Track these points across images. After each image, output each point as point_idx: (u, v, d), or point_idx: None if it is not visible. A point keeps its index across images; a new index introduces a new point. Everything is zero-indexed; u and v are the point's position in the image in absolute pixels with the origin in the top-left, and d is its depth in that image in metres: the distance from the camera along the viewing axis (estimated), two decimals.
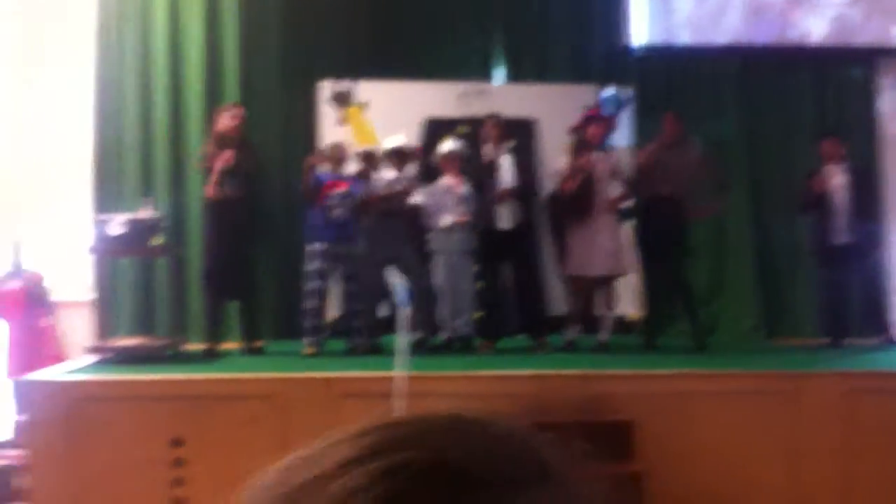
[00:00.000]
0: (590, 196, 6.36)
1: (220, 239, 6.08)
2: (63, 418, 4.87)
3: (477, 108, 7.13)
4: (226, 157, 6.00)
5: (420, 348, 5.68)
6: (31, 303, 6.86)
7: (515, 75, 7.84)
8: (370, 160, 6.47)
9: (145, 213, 5.86)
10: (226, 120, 6.20)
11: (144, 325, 6.64)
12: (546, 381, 5.16)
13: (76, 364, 5.52)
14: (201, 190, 6.33)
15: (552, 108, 7.40)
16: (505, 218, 6.35)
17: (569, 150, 6.64)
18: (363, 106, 7.19)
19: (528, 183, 6.50)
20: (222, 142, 6.11)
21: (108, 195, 6.89)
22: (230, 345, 6.21)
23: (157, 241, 5.82)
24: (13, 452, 6.29)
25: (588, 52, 7.90)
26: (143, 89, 7.11)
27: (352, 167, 6.39)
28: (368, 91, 7.18)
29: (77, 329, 7.14)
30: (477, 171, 6.39)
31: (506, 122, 6.56)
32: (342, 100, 7.23)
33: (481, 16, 7.77)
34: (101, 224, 5.93)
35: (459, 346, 6.19)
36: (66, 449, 4.82)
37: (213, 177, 6.06)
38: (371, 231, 6.18)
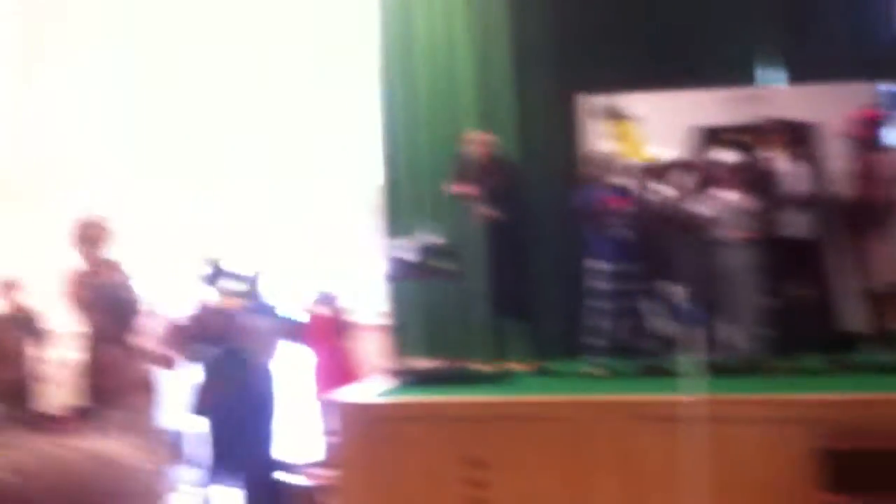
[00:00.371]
0: (875, 200, 5.97)
1: (500, 260, 6.23)
2: (369, 439, 5.17)
3: (749, 114, 6.87)
4: (481, 182, 6.17)
5: (708, 369, 5.53)
6: (337, 327, 7.33)
7: (789, 76, 7.47)
8: (645, 174, 6.43)
9: (433, 237, 6.11)
10: (474, 146, 6.38)
11: (436, 346, 6.91)
12: (848, 405, 4.87)
13: (378, 386, 5.83)
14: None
15: (832, 109, 6.99)
16: (792, 228, 6.08)
17: (850, 153, 6.28)
18: (635, 120, 7.13)
19: (815, 190, 6.19)
20: (475, 167, 6.28)
21: (396, 221, 7.23)
22: (517, 364, 6.33)
23: (446, 264, 6.04)
24: (324, 472, 6.74)
25: (872, 46, 7.38)
26: (429, 122, 7.41)
27: (622, 181, 6.35)
28: (632, 103, 7.11)
29: (371, 350, 7.57)
30: (758, 180, 6.16)
31: (787, 126, 6.30)
32: (613, 114, 7.20)
33: (747, 15, 7.47)
34: (392, 249, 6.26)
35: (747, 367, 5.98)
36: (372, 469, 5.11)
37: (478, 201, 6.24)
38: (653, 246, 6.12)
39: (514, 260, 6.21)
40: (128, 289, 5.87)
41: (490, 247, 6.30)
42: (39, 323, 7.65)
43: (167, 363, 5.82)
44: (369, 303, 7.82)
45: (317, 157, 8.56)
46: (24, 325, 7.51)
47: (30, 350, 7.71)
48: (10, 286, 7.90)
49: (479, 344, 6.76)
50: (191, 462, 6.58)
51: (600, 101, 7.15)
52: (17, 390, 6.69)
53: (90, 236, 6.09)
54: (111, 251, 6.21)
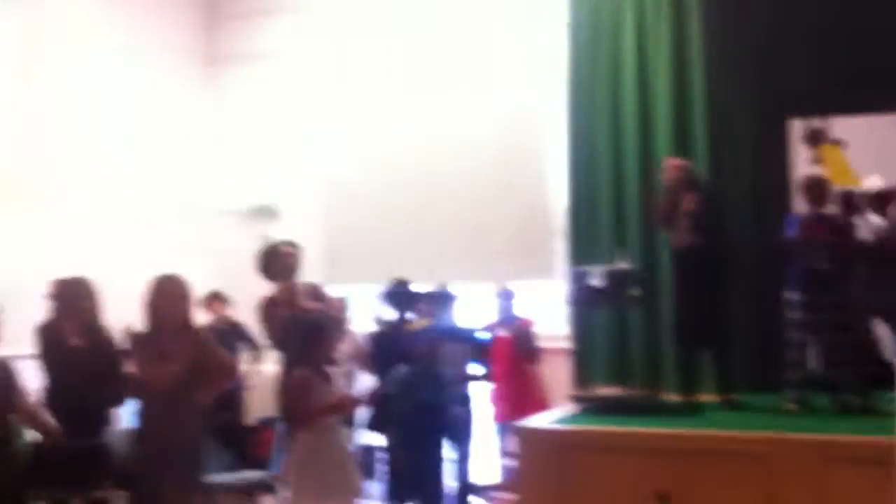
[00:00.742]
0: None
1: (688, 288, 6.06)
2: (550, 466, 5.12)
3: None
4: (679, 207, 6.01)
5: None
6: (520, 350, 7.33)
7: None
8: (849, 202, 6.10)
9: (621, 264, 6.02)
10: (670, 171, 6.25)
11: (620, 374, 6.79)
12: None
13: (560, 412, 5.78)
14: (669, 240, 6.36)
15: None
16: None
17: None
18: (839, 144, 6.80)
19: None
20: (670, 193, 6.13)
21: (582, 247, 7.18)
22: (705, 396, 6.13)
23: (634, 292, 5.94)
24: (502, 496, 6.75)
25: None
26: (614, 140, 7.33)
27: (827, 209, 6.04)
28: (843, 127, 6.78)
29: (552, 375, 7.51)
30: None
31: None
32: (815, 138, 6.89)
33: None
34: (579, 275, 6.20)
35: None
36: (552, 496, 5.06)
37: (674, 227, 6.09)
38: (858, 279, 5.78)
39: (705, 288, 6.00)
40: (320, 313, 6.09)
41: (679, 274, 6.14)
42: (245, 334, 8.05)
43: (354, 398, 5.95)
44: (552, 326, 7.78)
45: (500, 177, 8.61)
46: (230, 336, 7.93)
47: (237, 361, 8.12)
48: (216, 298, 8.37)
49: (666, 373, 6.59)
50: (378, 478, 6.74)
51: (806, 124, 6.87)
52: (226, 400, 7.09)
53: (279, 264, 6.35)
54: (300, 276, 6.46)
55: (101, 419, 5.69)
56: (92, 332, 5.71)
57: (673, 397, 6.13)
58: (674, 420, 5.37)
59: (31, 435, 5.30)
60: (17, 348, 5.29)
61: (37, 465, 5.22)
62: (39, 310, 5.93)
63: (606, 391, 6.06)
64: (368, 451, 7.04)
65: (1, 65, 7.92)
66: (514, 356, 7.51)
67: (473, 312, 7.85)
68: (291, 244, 6.56)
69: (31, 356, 5.79)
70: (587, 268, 6.27)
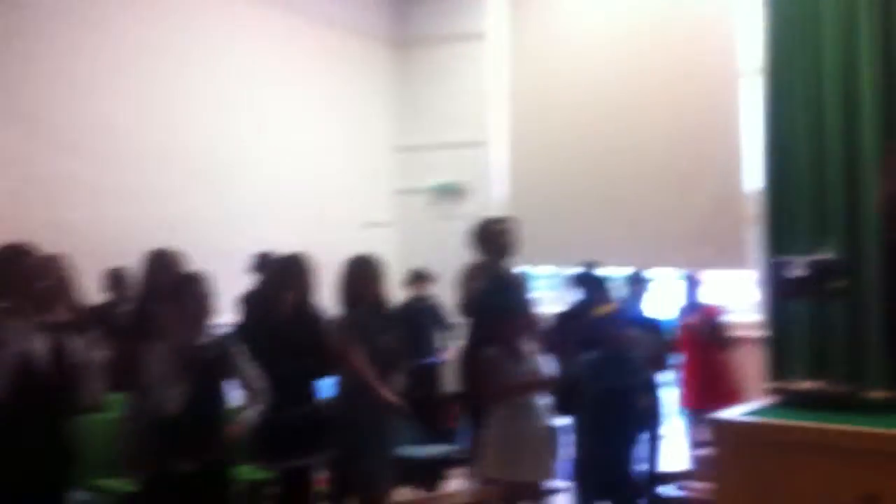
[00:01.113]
0: None
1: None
2: (748, 460, 5.00)
3: None
4: None
5: None
6: (709, 337, 7.20)
7: None
8: None
9: (825, 255, 5.79)
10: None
11: (818, 367, 6.54)
12: None
13: (757, 404, 5.64)
14: (880, 232, 6.05)
15: None
16: None
17: None
18: None
19: None
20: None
21: (779, 236, 6.92)
22: None
23: (838, 284, 5.70)
24: (693, 485, 6.67)
25: None
26: (815, 126, 7.02)
27: None
28: None
29: (741, 365, 7.34)
30: None
31: None
32: None
33: None
34: (778, 265, 6.01)
35: None
36: (753, 492, 4.94)
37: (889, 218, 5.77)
38: None
39: None
40: (510, 292, 6.17)
41: (888, 268, 5.83)
42: (437, 313, 8.30)
43: (543, 380, 5.98)
44: (742, 314, 7.59)
45: (692, 163, 8.45)
46: (424, 314, 8.20)
47: (434, 338, 8.39)
48: (419, 277, 8.66)
49: (870, 368, 6.29)
50: (562, 461, 6.78)
51: None
52: (421, 375, 7.33)
53: (496, 241, 6.44)
54: (517, 252, 6.48)
55: (305, 391, 5.96)
56: (300, 305, 5.99)
57: (881, 394, 5.85)
58: (881, 419, 5.14)
59: (237, 403, 5.61)
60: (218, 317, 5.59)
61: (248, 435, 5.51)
62: (236, 282, 6.30)
63: (808, 385, 5.85)
64: (551, 431, 7.08)
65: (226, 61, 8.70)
66: (703, 343, 7.39)
67: (661, 299, 7.77)
68: (507, 220, 6.62)
69: (233, 325, 6.13)
70: (787, 257, 6.06)
